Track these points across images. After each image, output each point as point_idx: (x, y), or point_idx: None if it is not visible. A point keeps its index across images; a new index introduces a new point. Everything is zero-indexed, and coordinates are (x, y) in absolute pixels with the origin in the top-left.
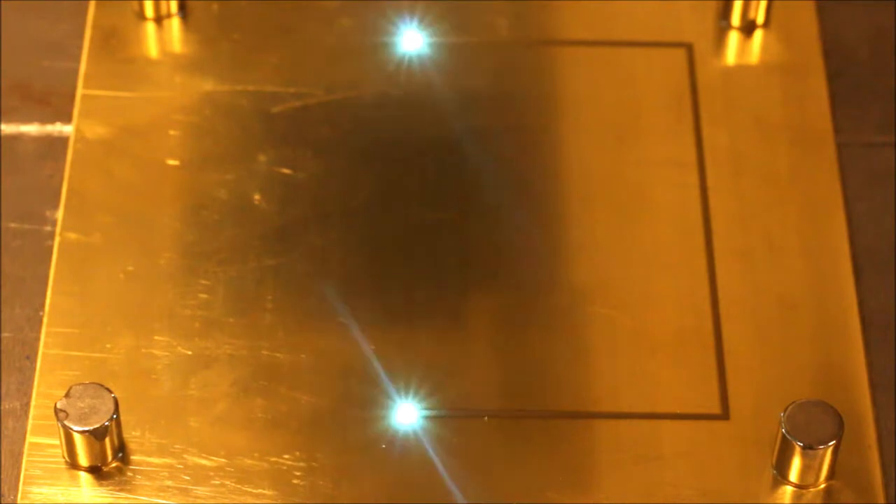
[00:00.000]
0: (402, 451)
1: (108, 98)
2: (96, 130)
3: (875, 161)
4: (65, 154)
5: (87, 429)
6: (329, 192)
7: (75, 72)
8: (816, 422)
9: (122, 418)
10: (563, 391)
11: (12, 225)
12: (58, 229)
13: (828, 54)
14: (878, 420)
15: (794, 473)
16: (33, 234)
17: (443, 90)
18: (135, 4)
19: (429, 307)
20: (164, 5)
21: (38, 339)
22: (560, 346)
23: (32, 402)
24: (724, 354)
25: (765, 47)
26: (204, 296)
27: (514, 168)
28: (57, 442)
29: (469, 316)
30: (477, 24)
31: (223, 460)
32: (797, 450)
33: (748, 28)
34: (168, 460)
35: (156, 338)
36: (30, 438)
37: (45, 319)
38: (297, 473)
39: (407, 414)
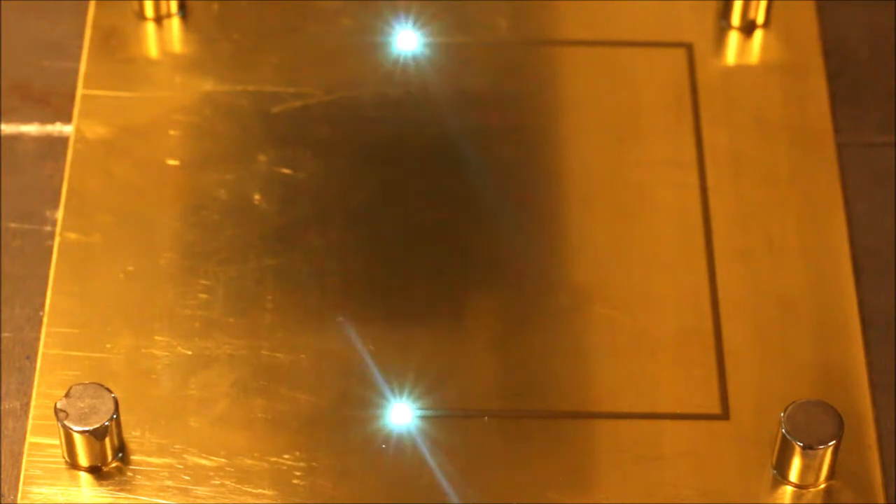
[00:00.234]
0: (401, 451)
1: (108, 98)
2: (96, 130)
3: (875, 161)
4: (65, 154)
5: (87, 429)
6: (329, 192)
7: (75, 72)
8: (816, 422)
9: (122, 418)
10: (563, 391)
11: (12, 225)
12: (58, 229)
13: (828, 54)
14: (878, 420)
15: (794, 473)
16: (33, 234)
17: (443, 90)
18: (135, 4)
19: (429, 307)
20: (164, 5)
21: (38, 339)
22: (560, 346)
23: (32, 402)
24: (724, 354)
25: (765, 47)
26: (204, 296)
27: (514, 168)
28: (57, 442)
29: (469, 316)
30: (477, 24)
31: (223, 460)
32: (797, 450)
33: (748, 28)
34: (168, 460)
35: (156, 338)
36: (30, 438)
37: (45, 319)
38: (297, 473)
39: (407, 414)
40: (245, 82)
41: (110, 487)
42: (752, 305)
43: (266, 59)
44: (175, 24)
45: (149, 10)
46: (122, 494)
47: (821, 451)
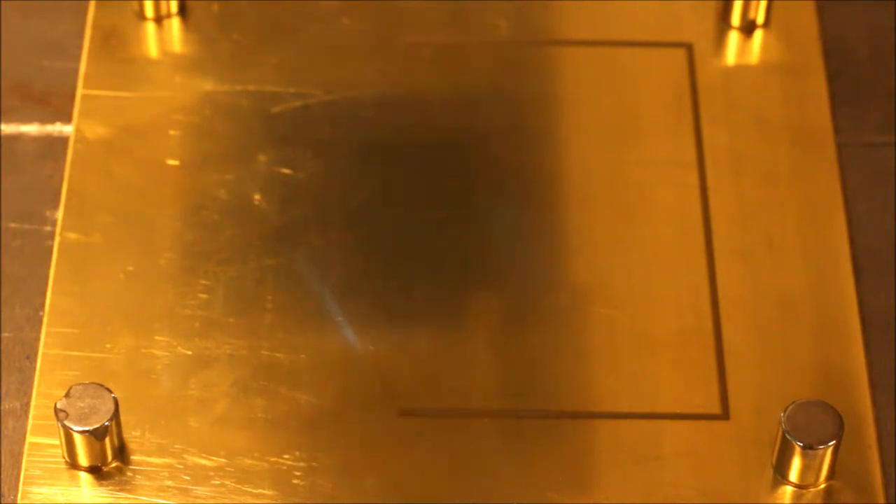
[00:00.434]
0: (401, 450)
1: (108, 98)
2: (96, 130)
3: (875, 161)
4: (65, 154)
5: (87, 429)
6: (329, 192)
7: (75, 72)
8: (816, 422)
9: (122, 418)
10: (563, 391)
11: (12, 225)
12: (58, 229)
13: (828, 54)
14: (878, 420)
15: (794, 473)
16: (33, 234)
17: (443, 90)
18: (135, 4)
19: (429, 307)
20: (164, 5)
21: (38, 339)
22: (560, 346)
23: (32, 402)
24: (724, 354)
25: (765, 47)
26: (204, 296)
27: (514, 168)
28: (57, 442)
29: (469, 316)
30: (477, 24)
31: (223, 460)
32: (797, 450)
33: (748, 28)
34: (168, 460)
35: (156, 338)
36: (30, 438)
37: (45, 319)
38: (297, 473)
39: (406, 414)
40: (245, 82)
41: (110, 487)
42: (752, 305)
43: (266, 59)
44: (175, 24)
45: (149, 10)
46: (122, 494)
47: (821, 451)
